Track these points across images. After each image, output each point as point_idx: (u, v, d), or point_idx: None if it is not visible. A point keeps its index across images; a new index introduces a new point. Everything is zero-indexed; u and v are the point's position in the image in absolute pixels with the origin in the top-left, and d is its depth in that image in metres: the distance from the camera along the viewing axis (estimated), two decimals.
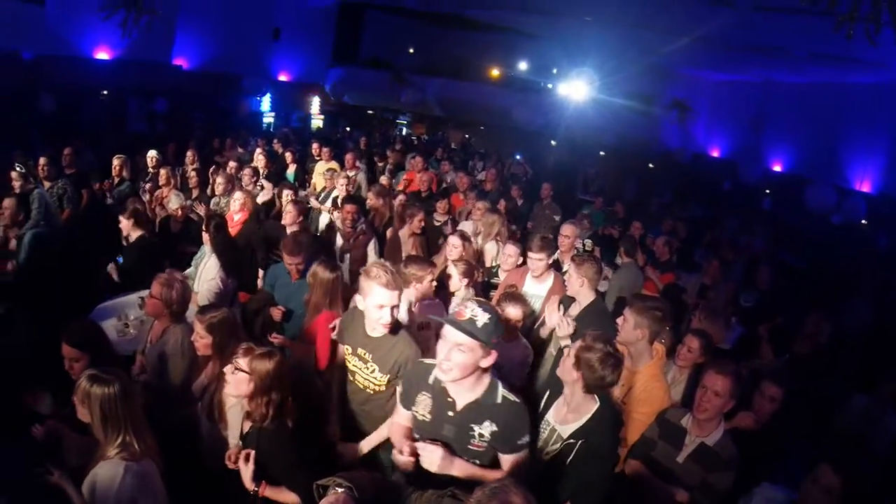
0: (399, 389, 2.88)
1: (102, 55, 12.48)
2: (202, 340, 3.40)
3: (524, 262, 5.30)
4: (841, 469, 2.89)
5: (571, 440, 2.91)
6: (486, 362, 2.50)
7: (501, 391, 2.59)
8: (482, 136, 22.73)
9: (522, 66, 20.84)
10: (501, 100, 19.96)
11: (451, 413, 2.60)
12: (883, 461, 4.18)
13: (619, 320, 3.84)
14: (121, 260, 5.44)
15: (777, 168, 15.58)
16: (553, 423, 3.05)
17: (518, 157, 17.99)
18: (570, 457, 2.89)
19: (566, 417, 3.00)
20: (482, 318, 2.44)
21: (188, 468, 3.17)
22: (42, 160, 7.15)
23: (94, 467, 2.61)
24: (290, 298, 4.82)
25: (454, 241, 5.34)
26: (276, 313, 4.76)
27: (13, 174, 6.69)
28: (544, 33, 18.32)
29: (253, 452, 2.85)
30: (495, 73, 21.29)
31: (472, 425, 2.56)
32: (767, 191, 15.58)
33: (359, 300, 3.19)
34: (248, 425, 3.00)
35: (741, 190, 16.01)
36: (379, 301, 3.06)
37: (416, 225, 6.18)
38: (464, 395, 2.58)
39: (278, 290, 4.98)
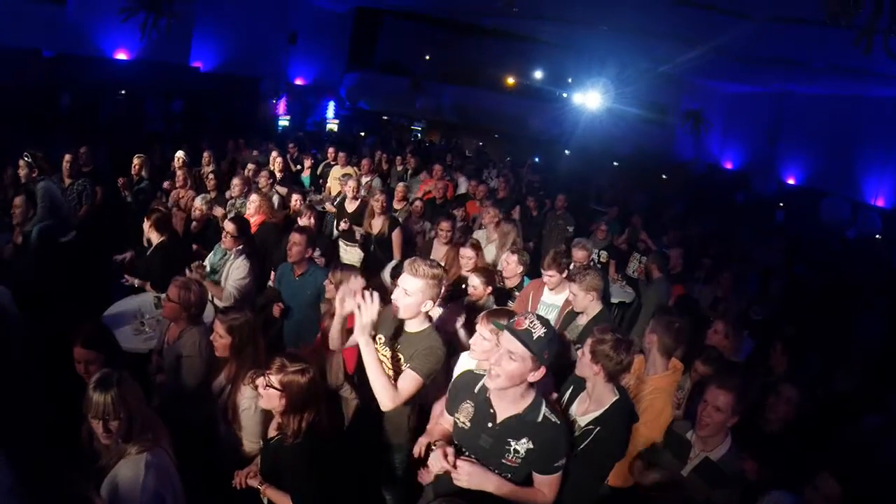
0: (446, 395, 2.91)
1: (121, 56, 12.59)
2: (221, 341, 3.42)
3: (524, 270, 5.44)
4: (841, 477, 2.92)
5: (590, 426, 3.02)
6: (534, 377, 2.51)
7: (545, 410, 2.59)
8: (496, 144, 22.74)
9: (537, 74, 20.87)
10: (516, 108, 20.01)
11: (490, 424, 2.61)
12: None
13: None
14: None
15: (791, 181, 15.52)
16: (575, 416, 3.15)
17: (536, 159, 18.08)
18: (585, 442, 3.00)
19: (588, 409, 3.11)
20: (539, 331, 2.48)
21: (204, 467, 3.19)
22: (66, 157, 7.23)
23: (113, 467, 2.61)
24: (294, 295, 5.02)
25: (467, 252, 5.43)
26: (276, 310, 4.96)
27: (20, 163, 6.75)
28: (560, 42, 18.37)
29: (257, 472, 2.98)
30: (510, 81, 21.33)
31: (510, 440, 2.55)
32: (781, 204, 15.51)
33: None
34: (274, 433, 3.01)
35: (754, 202, 15.95)
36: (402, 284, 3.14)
37: (444, 236, 6.17)
38: (506, 407, 2.59)
39: (283, 287, 5.16)
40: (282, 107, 18.69)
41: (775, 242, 11.08)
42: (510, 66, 21.02)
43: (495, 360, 2.51)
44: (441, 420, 2.97)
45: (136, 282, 5.47)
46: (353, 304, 3.07)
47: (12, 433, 2.86)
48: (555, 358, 2.60)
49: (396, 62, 20.92)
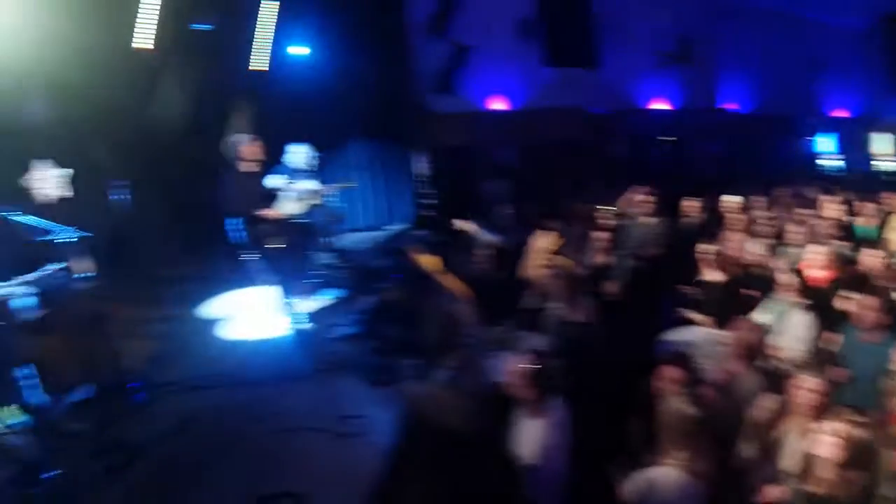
0: None
1: (656, 106, 13.82)
2: (810, 396, 3.43)
3: None
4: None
5: None
6: None
7: None
8: None
9: None
10: None
11: None
12: None
13: None
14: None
15: None
16: None
17: None
18: None
19: None
20: None
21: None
22: (639, 197, 8.10)
23: (652, 467, 3.08)
24: (855, 360, 4.57)
25: None
26: (838, 373, 4.43)
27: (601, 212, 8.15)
28: None
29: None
30: None
31: None
32: None
33: None
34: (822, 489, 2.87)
35: None
36: None
37: None
38: None
39: (847, 352, 4.77)
40: (823, 145, 17.45)
41: None
42: None
43: None
44: None
45: (693, 315, 5.71)
46: None
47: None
48: None
49: None
